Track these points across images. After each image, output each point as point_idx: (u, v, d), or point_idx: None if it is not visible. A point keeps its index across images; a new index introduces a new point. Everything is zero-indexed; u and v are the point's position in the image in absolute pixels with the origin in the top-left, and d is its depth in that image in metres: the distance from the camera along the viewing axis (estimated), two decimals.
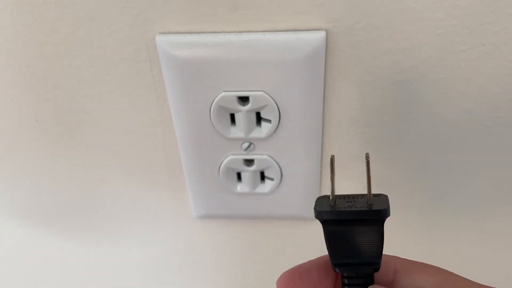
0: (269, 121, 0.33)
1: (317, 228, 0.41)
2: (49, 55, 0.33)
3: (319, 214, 0.23)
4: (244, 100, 0.33)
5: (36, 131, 0.38)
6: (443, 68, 0.31)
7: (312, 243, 0.42)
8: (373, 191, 0.23)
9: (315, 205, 0.23)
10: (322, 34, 0.30)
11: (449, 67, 0.31)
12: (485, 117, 0.32)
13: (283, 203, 0.39)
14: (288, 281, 0.22)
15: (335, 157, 0.23)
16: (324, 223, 0.23)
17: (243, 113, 0.33)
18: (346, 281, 0.23)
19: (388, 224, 0.22)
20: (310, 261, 0.24)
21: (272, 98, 0.32)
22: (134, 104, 0.35)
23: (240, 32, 0.30)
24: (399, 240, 0.41)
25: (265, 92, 0.32)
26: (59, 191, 0.42)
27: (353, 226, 0.22)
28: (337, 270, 0.23)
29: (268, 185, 0.37)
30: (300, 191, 0.38)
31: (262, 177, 0.37)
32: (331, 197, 0.23)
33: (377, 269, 0.22)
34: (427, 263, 0.23)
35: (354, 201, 0.23)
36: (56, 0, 0.30)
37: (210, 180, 0.38)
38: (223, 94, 0.32)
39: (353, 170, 0.36)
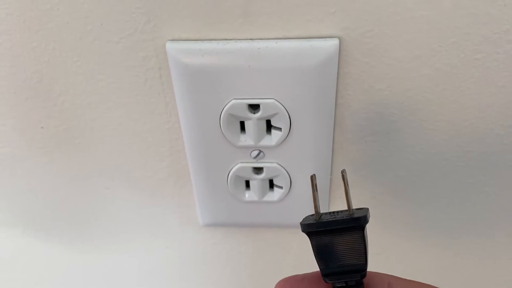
0: (279, 129, 0.33)
1: None
2: (56, 61, 0.32)
3: (304, 227, 0.24)
4: (254, 108, 0.32)
5: (41, 137, 0.37)
6: (457, 76, 0.30)
7: None
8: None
9: (301, 221, 0.25)
10: (335, 41, 0.29)
11: (462, 75, 0.30)
12: (498, 126, 0.32)
13: (292, 212, 0.38)
14: None
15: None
16: (309, 235, 0.24)
17: (253, 121, 0.32)
18: None
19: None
20: (305, 273, 0.25)
21: (283, 106, 0.32)
22: (142, 112, 0.34)
23: (251, 39, 0.30)
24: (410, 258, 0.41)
25: (276, 100, 0.31)
26: (63, 198, 0.41)
27: (336, 235, 0.24)
28: (327, 280, 0.24)
29: (277, 193, 0.37)
30: (310, 200, 0.37)
31: (271, 185, 0.37)
32: (315, 212, 0.25)
33: (364, 275, 0.24)
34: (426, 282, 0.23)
35: (337, 214, 0.24)
36: (64, 6, 0.30)
37: (218, 188, 0.37)
38: (233, 101, 0.32)
39: (364, 179, 0.36)
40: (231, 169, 0.36)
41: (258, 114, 0.32)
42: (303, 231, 0.24)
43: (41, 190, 0.41)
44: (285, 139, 0.33)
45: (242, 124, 0.33)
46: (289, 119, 0.32)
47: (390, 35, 0.29)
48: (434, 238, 0.40)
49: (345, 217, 0.24)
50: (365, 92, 0.32)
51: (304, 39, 0.30)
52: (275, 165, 0.35)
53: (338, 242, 0.24)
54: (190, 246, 0.43)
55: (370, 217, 0.24)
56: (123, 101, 0.34)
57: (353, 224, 0.23)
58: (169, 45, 0.30)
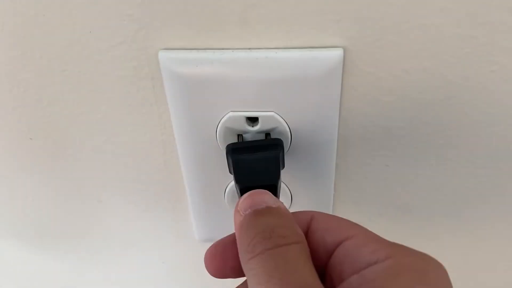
0: (283, 152, 0.31)
1: None
2: (43, 70, 0.31)
3: (227, 147, 0.28)
4: (253, 120, 0.30)
5: (30, 149, 0.35)
6: (469, 89, 0.28)
7: None
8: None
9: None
10: (339, 52, 0.27)
11: (476, 88, 0.28)
12: None
13: None
14: (213, 253, 0.23)
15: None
16: (231, 152, 0.28)
17: (251, 134, 0.31)
18: None
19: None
20: (232, 234, 0.24)
21: (283, 119, 0.30)
22: (135, 123, 0.32)
23: (249, 49, 0.28)
24: None
25: (275, 112, 0.29)
26: (53, 211, 0.39)
27: (254, 153, 0.27)
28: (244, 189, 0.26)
29: None
30: None
31: None
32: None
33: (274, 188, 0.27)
34: None
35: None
36: (49, 12, 0.28)
37: (214, 202, 0.36)
38: (230, 114, 0.30)
39: (370, 195, 0.34)
40: (228, 184, 0.34)
41: (257, 127, 0.30)
42: (226, 152, 0.28)
43: (30, 203, 0.39)
44: (285, 153, 0.31)
45: (239, 138, 0.31)
46: (289, 133, 0.30)
47: (398, 45, 0.27)
48: (446, 255, 0.38)
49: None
50: (371, 105, 0.30)
51: (306, 49, 0.28)
52: None
53: (255, 160, 0.27)
54: (186, 262, 0.41)
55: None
56: (114, 112, 0.32)
57: (270, 143, 0.28)
58: (162, 54, 0.29)
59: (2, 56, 0.30)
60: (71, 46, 0.29)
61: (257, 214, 0.21)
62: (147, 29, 0.28)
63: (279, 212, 0.22)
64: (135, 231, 0.40)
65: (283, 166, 0.30)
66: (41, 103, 0.32)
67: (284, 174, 0.33)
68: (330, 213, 0.35)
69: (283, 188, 0.33)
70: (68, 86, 0.31)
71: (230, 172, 0.29)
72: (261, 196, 0.23)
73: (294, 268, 0.18)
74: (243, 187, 0.27)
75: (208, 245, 0.39)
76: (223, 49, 0.28)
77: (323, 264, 0.21)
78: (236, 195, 0.34)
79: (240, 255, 0.21)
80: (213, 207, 0.36)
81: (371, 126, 0.31)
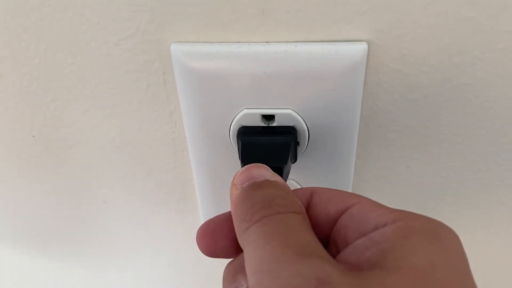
0: (297, 142, 0.29)
1: None
2: (48, 63, 0.29)
3: (239, 129, 0.28)
4: (269, 118, 0.29)
5: (33, 146, 0.34)
6: (500, 87, 0.27)
7: None
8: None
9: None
10: (363, 46, 0.26)
11: (507, 86, 0.27)
12: None
13: None
14: (204, 231, 0.22)
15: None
16: (242, 134, 0.28)
17: None
18: None
19: None
20: (226, 212, 0.23)
21: (301, 117, 0.28)
22: (144, 120, 0.31)
23: (267, 42, 0.26)
24: None
25: (293, 110, 0.28)
26: (57, 211, 0.38)
27: (263, 136, 0.27)
28: None
29: None
30: None
31: None
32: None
33: (280, 171, 0.25)
34: None
35: None
36: (55, 2, 0.26)
37: (226, 203, 0.34)
38: (245, 111, 0.28)
39: (390, 197, 0.32)
40: None
41: (273, 125, 0.28)
42: (238, 134, 0.28)
43: (33, 202, 0.37)
44: (302, 153, 0.30)
45: None
46: (307, 132, 0.28)
47: (427, 40, 0.25)
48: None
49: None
50: (395, 103, 0.28)
51: (328, 43, 0.26)
52: (290, 181, 0.31)
53: (266, 143, 0.27)
54: (194, 266, 0.40)
55: None
56: (123, 109, 0.30)
57: (283, 130, 0.27)
58: (174, 48, 0.27)
59: (5, 48, 0.29)
60: (78, 38, 0.28)
61: (255, 186, 0.20)
62: (158, 21, 0.26)
63: (278, 184, 0.20)
64: (141, 233, 0.38)
65: (295, 160, 0.28)
66: (45, 98, 0.31)
67: (300, 174, 0.31)
68: None
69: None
70: (74, 81, 0.30)
71: (239, 158, 0.28)
72: (259, 170, 0.21)
73: (295, 232, 0.17)
74: None
75: None
76: (239, 42, 0.27)
77: (327, 236, 0.20)
78: None
79: (236, 229, 0.19)
80: (225, 209, 0.34)
81: (393, 125, 0.29)
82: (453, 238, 0.17)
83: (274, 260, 0.16)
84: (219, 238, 0.22)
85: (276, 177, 0.21)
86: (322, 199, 0.21)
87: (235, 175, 0.22)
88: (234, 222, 0.20)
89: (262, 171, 0.21)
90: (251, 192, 0.20)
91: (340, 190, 0.21)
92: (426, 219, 0.18)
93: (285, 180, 0.28)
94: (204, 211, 0.35)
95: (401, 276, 0.15)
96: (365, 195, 0.33)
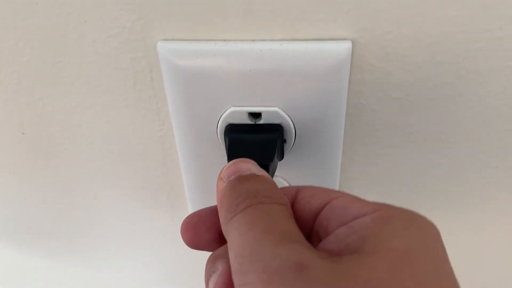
0: (283, 140, 0.29)
1: None
2: (36, 61, 0.29)
3: (226, 126, 0.28)
4: (255, 116, 0.29)
5: (22, 143, 0.34)
6: (483, 85, 0.27)
7: None
8: None
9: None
10: (347, 44, 0.26)
11: (490, 84, 0.27)
12: None
13: None
14: (189, 224, 0.22)
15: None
16: (229, 132, 0.28)
17: None
18: None
19: None
20: (213, 206, 0.23)
21: (287, 115, 0.28)
22: (132, 117, 0.31)
23: (253, 40, 0.27)
24: None
25: (279, 108, 0.28)
26: (47, 208, 0.38)
27: (250, 133, 0.28)
28: None
29: None
30: None
31: None
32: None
33: (266, 168, 0.25)
34: None
35: None
36: (43, 1, 0.26)
37: (214, 199, 0.34)
38: (232, 109, 0.28)
39: (377, 194, 0.33)
40: None
41: (260, 123, 0.29)
42: (225, 132, 0.28)
43: (23, 200, 0.38)
44: (289, 151, 0.30)
45: None
46: (294, 130, 0.29)
47: (410, 38, 0.26)
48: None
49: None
50: (379, 101, 0.28)
51: (312, 41, 0.26)
52: (278, 178, 0.32)
53: (252, 141, 0.27)
54: (185, 262, 0.40)
55: None
56: (111, 106, 0.31)
57: (270, 128, 0.28)
58: (161, 45, 0.27)
59: None
60: (65, 36, 0.28)
61: (241, 179, 0.21)
62: (145, 19, 0.27)
63: (264, 178, 0.21)
64: (131, 229, 0.38)
65: (282, 157, 0.29)
66: (34, 96, 0.31)
67: (288, 172, 0.32)
68: None
69: (285, 186, 0.32)
70: (62, 79, 0.30)
71: (227, 156, 0.28)
72: (246, 164, 0.22)
73: (277, 220, 0.18)
74: None
75: None
76: (225, 40, 0.27)
77: (310, 230, 0.21)
78: None
79: (221, 219, 0.20)
80: (213, 204, 0.34)
81: (378, 123, 0.29)
82: (430, 225, 0.18)
83: (256, 244, 0.17)
84: (203, 231, 0.22)
85: (262, 171, 0.21)
86: (307, 195, 0.21)
87: (222, 169, 0.22)
88: (219, 213, 0.20)
89: (249, 166, 0.22)
90: (237, 185, 0.20)
91: (325, 188, 0.22)
92: (405, 209, 0.19)
93: (272, 177, 0.28)
94: (193, 208, 0.35)
95: (378, 258, 0.16)
96: (351, 192, 0.33)
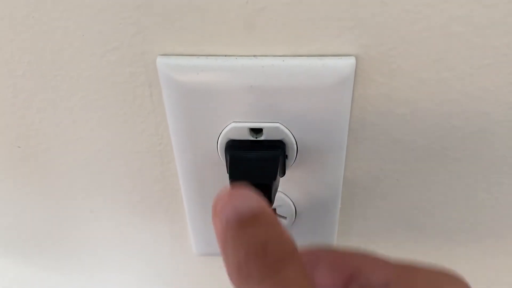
0: (285, 156, 0.29)
1: None
2: (33, 75, 0.29)
3: (227, 142, 0.28)
4: (257, 132, 0.28)
5: (18, 157, 0.33)
6: (488, 102, 0.27)
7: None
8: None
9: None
10: (351, 60, 0.25)
11: (495, 101, 0.26)
12: None
13: None
14: None
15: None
16: (230, 148, 0.27)
17: None
18: None
19: None
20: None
21: (289, 131, 0.28)
22: (131, 132, 0.30)
23: (255, 56, 0.26)
24: None
25: (281, 124, 0.28)
26: (44, 221, 0.37)
27: (252, 151, 0.27)
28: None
29: None
30: (315, 231, 0.33)
31: None
32: None
33: (269, 188, 0.25)
34: None
35: None
36: (40, 14, 0.26)
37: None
38: (233, 125, 0.28)
39: (378, 210, 0.32)
40: None
41: (261, 139, 0.28)
42: (226, 147, 0.28)
43: (20, 213, 0.37)
44: (290, 166, 0.29)
45: None
46: (296, 145, 0.28)
47: (415, 55, 0.25)
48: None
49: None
50: (382, 117, 0.28)
51: (315, 57, 0.26)
52: (279, 194, 0.31)
53: (254, 158, 0.27)
54: (183, 276, 0.39)
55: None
56: (109, 121, 0.30)
57: (271, 144, 0.27)
58: (160, 60, 0.27)
59: None
60: (63, 50, 0.27)
61: (243, 224, 0.19)
62: (144, 33, 0.26)
63: (266, 218, 0.19)
64: (129, 243, 0.38)
65: (283, 173, 0.28)
66: (30, 109, 0.30)
67: (289, 188, 0.31)
68: (335, 226, 0.33)
69: (287, 202, 0.32)
70: (60, 93, 0.29)
71: (227, 172, 0.27)
72: (243, 199, 0.19)
73: None
74: (236, 184, 0.26)
75: (206, 259, 0.37)
76: (226, 55, 0.26)
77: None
78: None
79: (229, 276, 0.18)
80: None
81: (381, 139, 0.29)
82: (456, 280, 0.18)
83: None
84: None
85: (259, 202, 0.20)
86: (325, 264, 0.21)
87: (216, 201, 0.20)
88: (225, 263, 0.19)
89: (247, 201, 0.20)
90: (239, 233, 0.19)
91: (340, 251, 0.21)
92: (429, 272, 0.18)
93: (274, 196, 0.27)
94: (191, 223, 0.34)
95: None
96: (353, 208, 0.33)
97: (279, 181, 0.28)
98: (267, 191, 0.27)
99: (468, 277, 0.19)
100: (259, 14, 0.25)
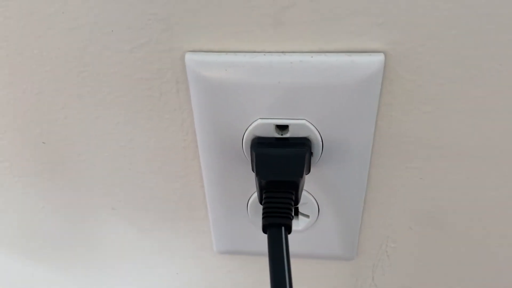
0: (310, 153, 0.29)
1: (352, 268, 0.36)
2: (59, 71, 0.29)
3: (253, 140, 0.28)
4: (282, 128, 0.28)
5: (42, 152, 0.33)
6: None
7: (344, 285, 0.38)
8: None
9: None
10: (380, 57, 0.25)
11: None
12: None
13: (317, 242, 0.34)
14: None
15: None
16: (256, 146, 0.27)
17: None
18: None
19: None
20: None
21: (315, 127, 0.28)
22: (155, 128, 0.31)
23: (283, 52, 0.26)
24: None
25: (307, 121, 0.28)
26: (65, 217, 0.38)
27: (278, 148, 0.27)
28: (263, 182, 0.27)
29: (302, 222, 0.33)
30: (338, 230, 0.33)
31: (296, 212, 0.33)
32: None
33: (296, 185, 0.26)
34: None
35: None
36: (69, 10, 0.26)
37: (236, 213, 0.34)
38: (259, 121, 0.28)
39: (400, 208, 0.32)
40: (251, 195, 0.32)
41: (287, 136, 0.28)
42: (251, 143, 0.28)
43: (42, 208, 0.37)
44: (316, 163, 0.29)
45: None
46: (321, 143, 0.28)
47: (444, 52, 0.25)
48: (478, 272, 0.36)
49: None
50: (409, 114, 0.28)
51: (344, 53, 0.26)
52: (304, 193, 0.31)
53: (281, 155, 0.27)
54: (202, 274, 0.39)
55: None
56: (133, 117, 0.30)
57: (297, 142, 0.27)
58: (189, 57, 0.27)
59: (16, 55, 0.28)
60: (90, 46, 0.27)
61: None
62: (173, 30, 0.26)
63: None
64: (150, 240, 0.38)
65: (309, 171, 0.28)
66: (55, 105, 0.30)
67: (313, 185, 0.31)
68: (358, 224, 0.33)
69: (310, 200, 0.32)
70: (86, 89, 0.29)
71: (252, 169, 0.28)
72: None
73: None
74: (263, 181, 0.27)
75: (227, 257, 0.38)
76: (254, 52, 0.26)
77: None
78: (259, 207, 0.32)
79: None
80: (234, 218, 0.34)
81: (407, 136, 0.29)
82: None
83: None
84: None
85: None
86: None
87: None
88: None
89: None
90: None
91: None
92: None
93: (301, 194, 0.27)
94: (213, 221, 0.34)
95: None
96: (376, 205, 0.32)
97: (305, 179, 0.28)
98: (295, 188, 0.27)
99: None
100: (287, 10, 0.25)
